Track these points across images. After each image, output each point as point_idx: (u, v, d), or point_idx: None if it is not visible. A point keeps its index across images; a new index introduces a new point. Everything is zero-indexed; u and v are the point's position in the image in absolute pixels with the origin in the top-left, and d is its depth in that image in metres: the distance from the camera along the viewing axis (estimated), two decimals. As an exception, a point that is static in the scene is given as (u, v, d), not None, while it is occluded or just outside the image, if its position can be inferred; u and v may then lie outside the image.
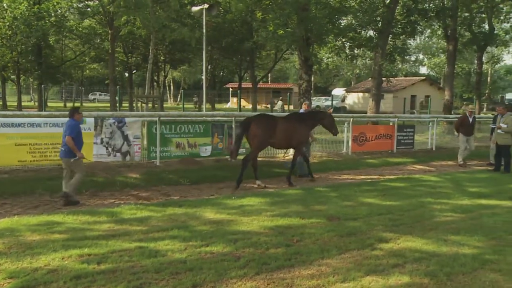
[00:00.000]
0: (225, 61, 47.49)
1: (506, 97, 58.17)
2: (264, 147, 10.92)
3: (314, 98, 47.37)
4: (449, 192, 9.96)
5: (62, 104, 48.48)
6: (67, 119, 10.49)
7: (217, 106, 50.20)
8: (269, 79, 62.89)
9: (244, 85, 50.38)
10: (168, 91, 67.81)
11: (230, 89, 60.71)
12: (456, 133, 15.13)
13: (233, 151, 10.37)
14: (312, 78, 29.99)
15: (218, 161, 12.66)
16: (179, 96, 48.67)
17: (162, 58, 46.84)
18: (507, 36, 33.86)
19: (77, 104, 44.99)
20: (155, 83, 47.11)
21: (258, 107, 41.03)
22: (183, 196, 9.26)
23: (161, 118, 11.95)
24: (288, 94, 27.57)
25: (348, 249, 5.88)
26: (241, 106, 24.04)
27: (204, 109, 20.48)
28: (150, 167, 11.41)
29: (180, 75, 72.66)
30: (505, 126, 13.00)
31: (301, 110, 12.25)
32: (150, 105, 22.93)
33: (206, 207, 7.99)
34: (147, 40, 31.20)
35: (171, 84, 72.12)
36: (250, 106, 42.79)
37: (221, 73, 59.31)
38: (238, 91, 22.84)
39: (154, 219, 7.13)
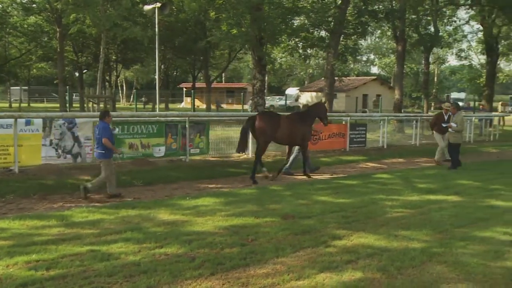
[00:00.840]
0: (179, 60, 46.98)
1: (452, 96, 60.62)
2: (270, 141, 11.41)
3: (268, 97, 47.69)
4: (400, 188, 10.26)
5: (7, 105, 46.54)
6: (11, 120, 10.12)
7: (170, 106, 49.64)
8: (223, 78, 62.80)
9: (198, 85, 50.04)
10: (120, 91, 66.55)
11: (184, 89, 60.25)
12: (431, 131, 15.32)
13: (239, 146, 11.21)
14: (266, 78, 30.20)
15: (172, 161, 12.52)
16: (132, 96, 47.76)
17: (113, 57, 45.84)
18: (450, 38, 35.31)
19: (24, 105, 43.28)
20: (107, 83, 46.02)
21: (212, 107, 40.83)
22: (137, 197, 9.08)
23: (114, 119, 11.67)
24: (242, 93, 27.57)
25: (302, 247, 5.94)
26: (195, 106, 23.85)
27: (157, 109, 20.22)
28: (102, 169, 11.11)
29: (133, 75, 71.47)
30: (455, 125, 13.49)
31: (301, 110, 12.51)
32: (102, 105, 22.42)
33: (160, 208, 7.88)
34: (98, 39, 30.40)
35: (124, 84, 70.83)
36: (204, 106, 42.53)
37: (175, 73, 58.65)
38: (192, 91, 22.68)
39: (107, 222, 6.96)
